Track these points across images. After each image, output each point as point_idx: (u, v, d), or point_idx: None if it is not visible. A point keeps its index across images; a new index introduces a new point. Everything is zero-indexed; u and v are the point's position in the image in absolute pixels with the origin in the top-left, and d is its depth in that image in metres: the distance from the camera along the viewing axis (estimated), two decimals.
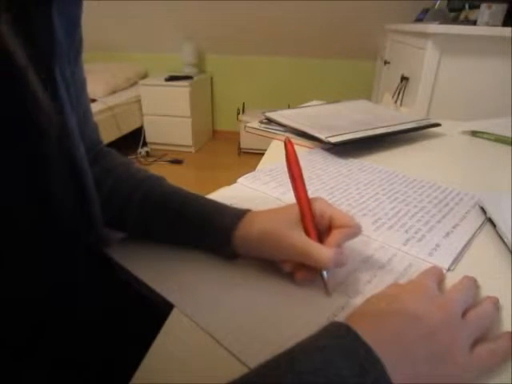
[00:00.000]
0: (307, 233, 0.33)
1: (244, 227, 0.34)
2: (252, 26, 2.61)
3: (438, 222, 0.44)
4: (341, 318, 0.29)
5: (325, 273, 0.32)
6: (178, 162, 2.68)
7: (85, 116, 0.42)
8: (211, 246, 0.37)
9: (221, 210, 0.37)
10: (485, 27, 1.40)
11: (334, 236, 0.32)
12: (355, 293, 0.32)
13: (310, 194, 0.35)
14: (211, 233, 0.36)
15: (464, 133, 0.82)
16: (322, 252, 0.31)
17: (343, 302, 0.31)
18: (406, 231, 0.42)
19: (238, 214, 0.36)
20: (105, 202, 0.38)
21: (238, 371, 0.25)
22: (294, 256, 0.32)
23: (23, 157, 0.27)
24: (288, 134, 0.74)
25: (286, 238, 0.32)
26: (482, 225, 0.44)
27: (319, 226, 0.34)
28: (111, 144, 2.42)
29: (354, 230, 0.33)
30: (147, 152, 2.78)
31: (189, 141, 2.83)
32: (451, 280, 0.34)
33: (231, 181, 0.56)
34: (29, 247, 0.29)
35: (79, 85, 0.40)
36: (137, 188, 0.40)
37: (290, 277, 0.34)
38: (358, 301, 0.31)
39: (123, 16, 2.71)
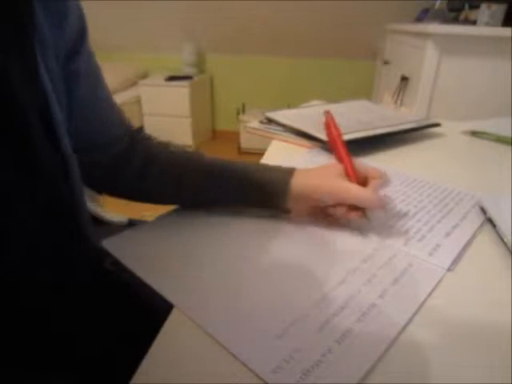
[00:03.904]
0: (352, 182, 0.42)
1: (298, 179, 0.42)
2: (252, 26, 2.61)
3: (438, 221, 0.44)
4: (334, 324, 0.29)
5: (370, 213, 0.41)
6: None
7: (107, 107, 0.46)
8: (268, 200, 0.43)
9: (272, 168, 0.45)
10: (485, 27, 1.40)
11: (372, 184, 0.42)
12: (355, 291, 0.32)
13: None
14: (268, 187, 0.42)
15: (464, 133, 0.82)
16: (368, 193, 0.40)
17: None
18: (406, 231, 0.42)
19: (288, 171, 0.43)
20: (157, 184, 0.45)
21: (238, 371, 0.25)
22: (344, 199, 0.40)
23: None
24: (288, 134, 0.74)
25: (337, 185, 0.41)
26: (481, 225, 0.44)
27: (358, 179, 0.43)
28: None
29: (385, 180, 0.44)
30: None
31: (189, 141, 2.83)
32: (451, 280, 0.35)
33: None
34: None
35: (92, 79, 0.45)
36: (187, 161, 0.46)
37: (289, 280, 0.34)
38: (356, 303, 0.31)
39: (123, 16, 2.71)
